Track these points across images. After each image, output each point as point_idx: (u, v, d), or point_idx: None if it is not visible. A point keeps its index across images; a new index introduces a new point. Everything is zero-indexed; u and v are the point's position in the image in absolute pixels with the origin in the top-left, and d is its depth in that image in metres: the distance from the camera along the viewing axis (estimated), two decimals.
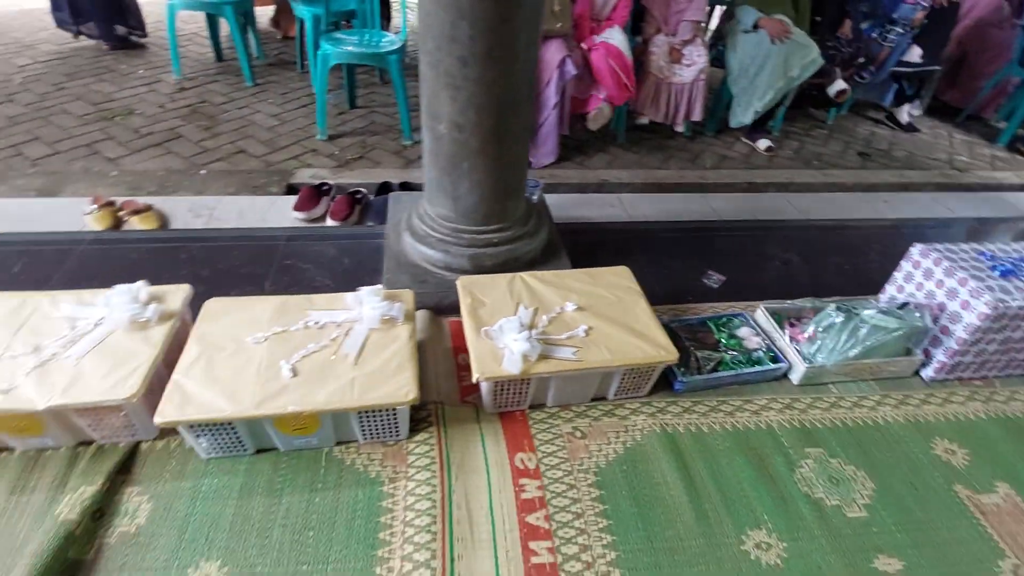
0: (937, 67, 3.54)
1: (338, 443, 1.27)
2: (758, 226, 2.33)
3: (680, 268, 1.97)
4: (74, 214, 2.04)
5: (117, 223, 2.00)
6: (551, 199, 2.40)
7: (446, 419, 1.35)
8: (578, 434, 1.35)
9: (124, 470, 1.18)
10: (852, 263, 2.11)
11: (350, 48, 2.60)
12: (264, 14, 4.27)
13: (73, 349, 1.19)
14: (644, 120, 3.15)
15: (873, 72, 3.50)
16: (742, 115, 3.10)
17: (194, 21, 4.05)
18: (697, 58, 2.96)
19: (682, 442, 1.36)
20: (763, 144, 3.18)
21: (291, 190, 2.38)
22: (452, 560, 1.07)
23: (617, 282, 1.55)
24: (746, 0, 2.99)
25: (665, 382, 1.48)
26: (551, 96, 2.66)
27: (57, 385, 1.11)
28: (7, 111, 2.82)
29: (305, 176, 2.46)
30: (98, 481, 1.13)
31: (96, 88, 3.12)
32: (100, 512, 1.10)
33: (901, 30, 3.36)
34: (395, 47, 2.64)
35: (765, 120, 3.29)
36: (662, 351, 1.35)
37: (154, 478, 1.17)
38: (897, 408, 1.51)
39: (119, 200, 2.09)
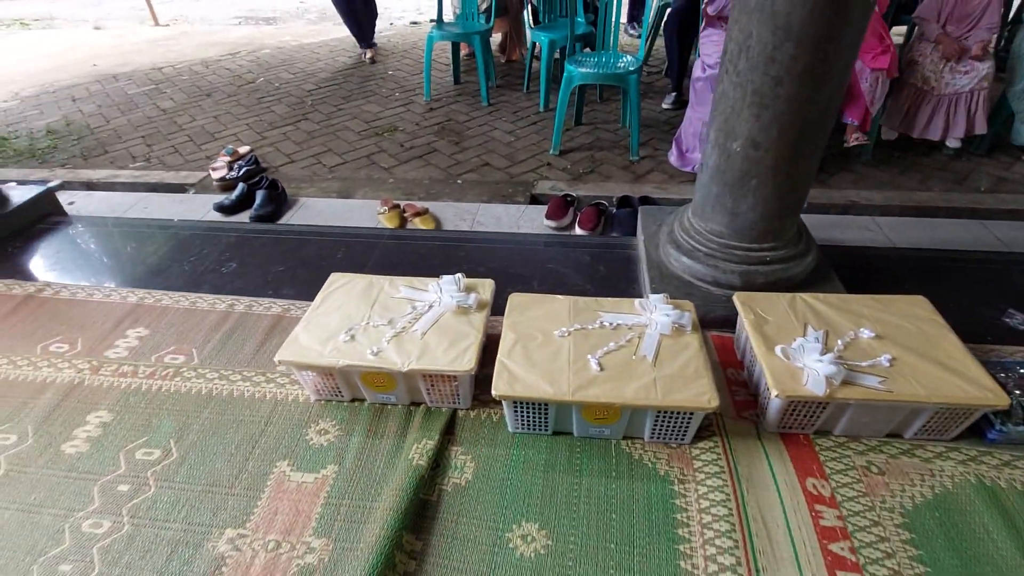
0: None
1: (625, 437, 1.36)
2: None
3: (971, 304, 1.75)
4: (369, 213, 2.45)
5: (403, 222, 2.37)
6: None
7: (728, 431, 1.36)
8: (874, 469, 1.28)
9: (449, 431, 1.40)
10: None
11: (592, 70, 2.76)
12: (493, 40, 4.71)
13: (417, 325, 1.44)
14: (892, 135, 2.86)
15: None
16: None
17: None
18: (981, 65, 2.60)
19: (1007, 499, 1.21)
20: None
21: (534, 200, 2.60)
22: (758, 571, 1.09)
23: (914, 312, 1.44)
24: None
25: (974, 429, 1.33)
26: None
27: (412, 353, 1.36)
28: (305, 127, 3.49)
29: (545, 187, 2.67)
30: (436, 437, 1.35)
31: (366, 108, 3.72)
32: (437, 463, 1.32)
33: None
34: (634, 68, 2.74)
35: None
36: (988, 393, 1.21)
37: (473, 442, 1.37)
38: None
39: (402, 203, 2.47)
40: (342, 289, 1.60)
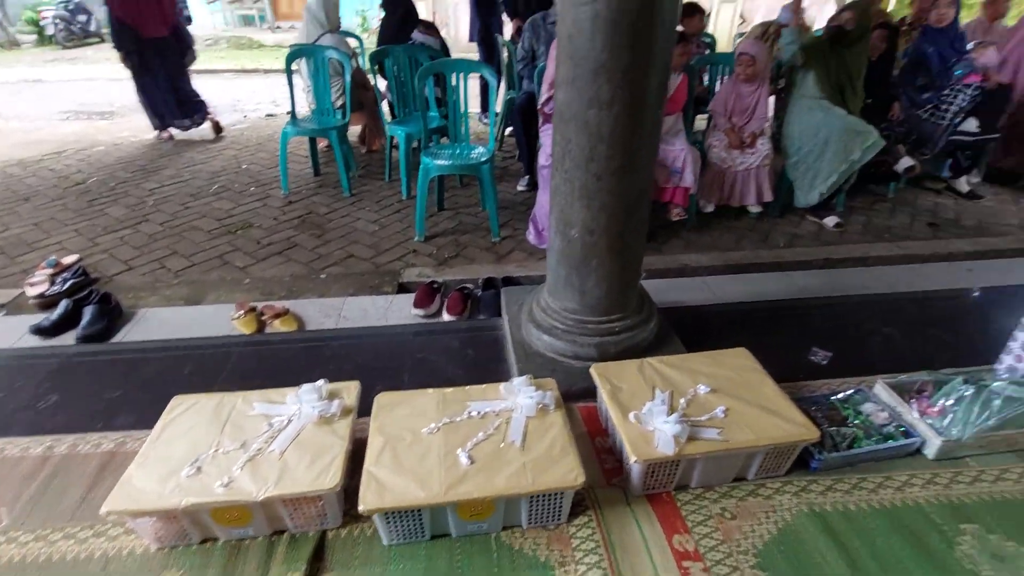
0: (995, 136, 3.66)
1: (505, 527, 1.35)
2: (849, 301, 2.40)
3: (783, 346, 2.04)
4: (222, 319, 2.29)
5: (261, 326, 2.24)
6: None
7: (599, 502, 1.42)
8: (727, 515, 1.40)
9: (318, 557, 1.29)
10: (953, 333, 2.14)
11: (447, 161, 2.93)
12: (352, 131, 4.81)
13: (274, 443, 1.35)
14: (710, 208, 3.34)
15: (931, 148, 3.66)
16: (806, 197, 3.25)
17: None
18: (760, 146, 3.18)
19: (833, 522, 1.38)
20: (831, 221, 3.30)
21: (402, 288, 2.61)
22: None
23: (740, 363, 1.65)
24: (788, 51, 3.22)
25: (800, 461, 1.52)
26: None
27: (269, 478, 1.26)
28: (147, 229, 3.23)
29: (412, 275, 2.71)
30: (302, 568, 1.24)
31: (217, 205, 3.55)
32: None
33: (956, 107, 3.54)
34: (486, 158, 2.96)
35: (829, 199, 3.43)
36: (803, 429, 1.41)
37: (347, 565, 1.27)
38: None
39: (259, 305, 2.35)
40: (187, 413, 1.46)
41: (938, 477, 1.51)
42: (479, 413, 1.44)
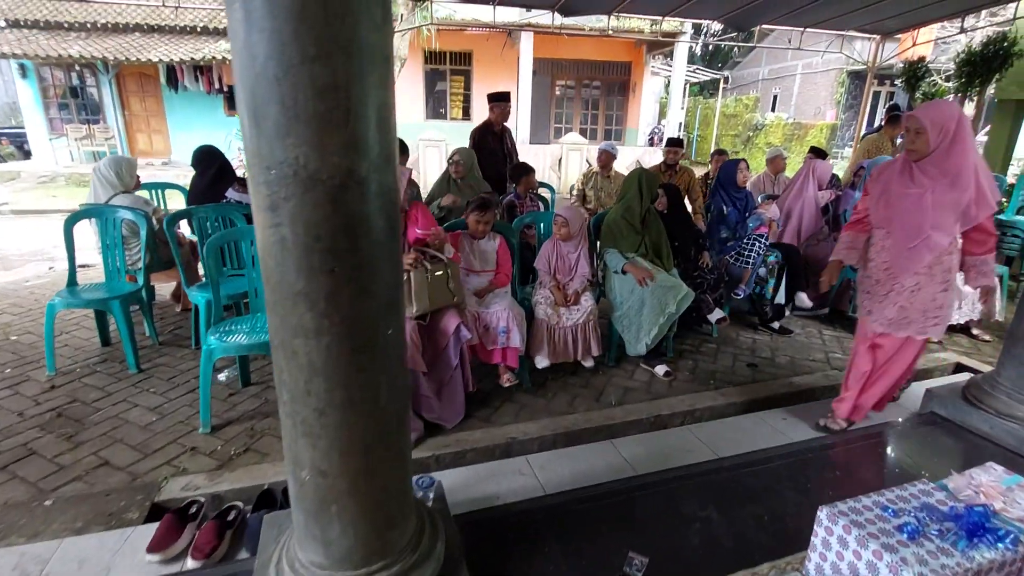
0: (824, 310, 4.16)
1: None
2: (672, 477, 2.26)
3: (599, 553, 1.79)
4: None
5: None
6: (455, 476, 2.26)
7: None
8: None
9: None
10: (770, 511, 2.04)
11: (239, 339, 2.56)
12: (167, 285, 4.30)
13: None
14: (544, 363, 3.23)
15: (744, 289, 3.97)
16: (635, 347, 3.27)
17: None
18: (584, 302, 3.19)
19: None
20: (661, 370, 3.32)
21: (155, 511, 2.07)
22: None
23: None
24: (606, 244, 3.40)
25: None
26: (451, 359, 2.69)
27: None
28: None
29: (176, 488, 2.18)
30: None
31: None
32: None
33: (755, 253, 3.92)
34: None
35: (659, 344, 3.49)
36: None
37: None
38: None
39: None
40: None
41: None
42: None
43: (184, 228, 3.89)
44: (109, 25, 12.80)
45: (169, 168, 12.85)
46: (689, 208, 4.51)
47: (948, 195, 2.26)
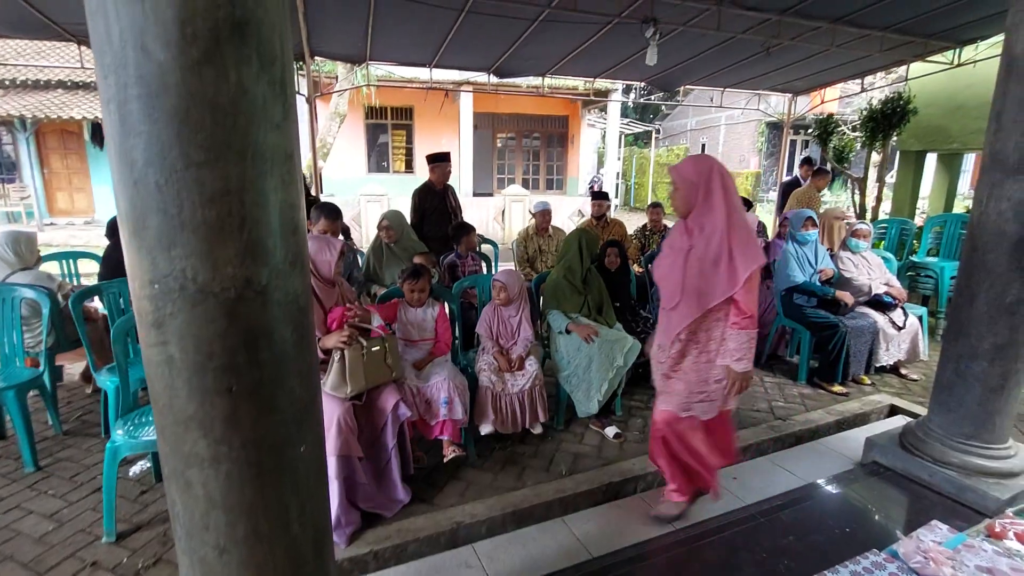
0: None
1: None
2: (626, 558, 2.15)
3: None
4: None
5: None
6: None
7: None
8: None
9: None
10: None
11: (151, 434, 2.31)
12: (77, 364, 3.92)
13: None
14: (488, 428, 3.10)
15: None
16: (586, 406, 3.19)
17: None
18: (529, 367, 3.11)
19: None
20: (611, 432, 3.25)
21: None
22: None
23: None
24: (549, 306, 3.36)
25: None
26: (389, 440, 2.52)
27: None
28: None
29: None
30: None
31: None
32: None
33: None
34: None
35: (608, 403, 3.44)
36: None
37: None
38: None
39: None
40: None
41: None
42: None
43: (98, 301, 3.59)
44: (29, 82, 12.23)
45: (92, 227, 12.12)
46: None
47: (709, 256, 2.07)
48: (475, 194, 12.87)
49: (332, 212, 3.70)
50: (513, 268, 3.48)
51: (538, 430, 3.17)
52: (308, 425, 1.15)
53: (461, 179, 12.52)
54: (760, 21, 4.58)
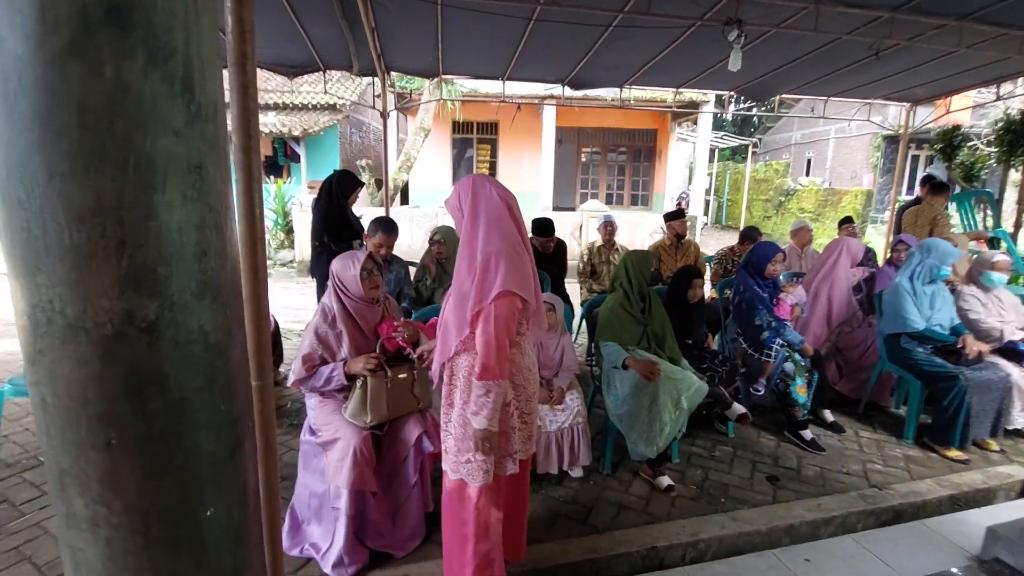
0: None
1: None
2: None
3: None
4: None
5: None
6: None
7: None
8: None
9: None
10: None
11: None
12: None
13: None
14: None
15: (764, 384, 3.48)
16: (644, 449, 2.80)
17: None
18: (570, 402, 2.81)
19: None
20: (664, 482, 2.85)
21: None
22: None
23: None
24: (604, 336, 3.02)
25: None
26: (411, 475, 2.34)
27: None
28: None
29: None
30: None
31: None
32: None
33: (779, 344, 3.43)
34: None
35: (666, 448, 3.04)
36: None
37: None
38: None
39: None
40: None
41: None
42: None
43: None
44: None
45: None
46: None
47: (463, 283, 1.80)
48: (555, 208, 12.68)
49: (388, 226, 3.62)
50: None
51: (578, 473, 2.86)
52: (220, 485, 0.97)
53: (541, 193, 12.38)
54: (868, 20, 3.97)
